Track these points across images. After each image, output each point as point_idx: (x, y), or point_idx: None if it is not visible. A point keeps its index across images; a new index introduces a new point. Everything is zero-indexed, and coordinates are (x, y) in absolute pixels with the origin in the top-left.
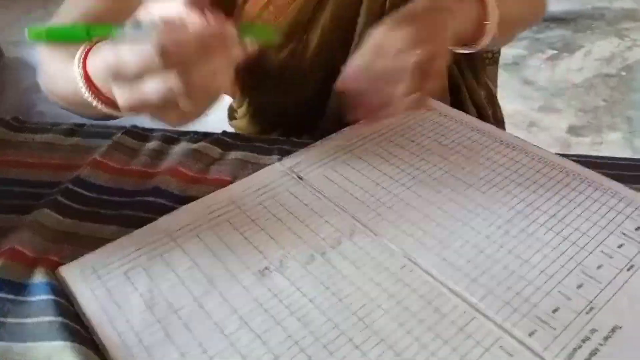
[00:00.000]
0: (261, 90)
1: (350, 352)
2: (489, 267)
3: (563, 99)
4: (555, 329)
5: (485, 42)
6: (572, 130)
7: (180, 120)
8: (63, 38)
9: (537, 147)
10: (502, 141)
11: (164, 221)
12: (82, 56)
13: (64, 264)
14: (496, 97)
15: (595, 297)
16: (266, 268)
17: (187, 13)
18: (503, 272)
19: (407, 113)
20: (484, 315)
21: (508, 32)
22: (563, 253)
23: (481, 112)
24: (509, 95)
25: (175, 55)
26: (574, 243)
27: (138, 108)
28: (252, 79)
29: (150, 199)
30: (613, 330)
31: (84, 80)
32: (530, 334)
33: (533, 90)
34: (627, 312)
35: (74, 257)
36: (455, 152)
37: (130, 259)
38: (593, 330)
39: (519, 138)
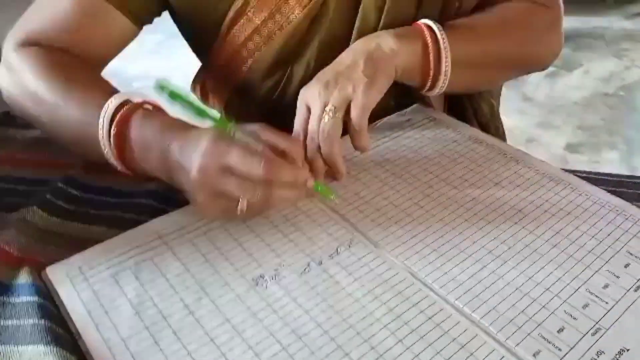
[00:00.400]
0: (243, 117)
1: None
2: (492, 283)
3: (561, 116)
4: (560, 349)
5: (440, 82)
6: (570, 147)
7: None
8: (184, 105)
9: (542, 161)
10: (505, 154)
11: (156, 223)
12: (116, 115)
13: (50, 264)
14: (498, 112)
15: (602, 317)
16: (261, 276)
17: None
18: (507, 289)
19: (412, 126)
20: (487, 332)
21: (482, 71)
22: (568, 271)
23: (485, 129)
24: (508, 111)
25: (272, 174)
26: (579, 261)
27: (216, 206)
28: (236, 105)
29: (143, 200)
30: (620, 353)
31: (114, 139)
32: (535, 354)
33: (532, 106)
34: (634, 334)
35: (60, 258)
36: (458, 164)
37: (119, 262)
38: (599, 353)
39: (523, 152)
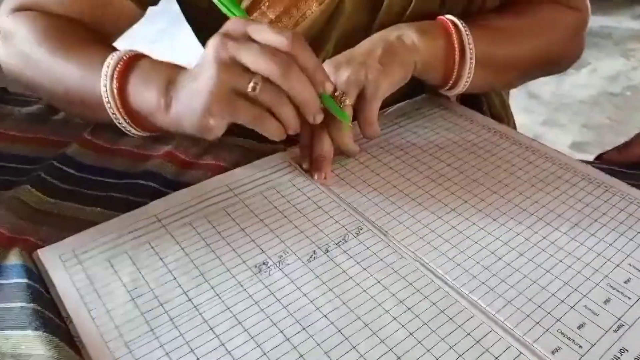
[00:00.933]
0: None
1: None
2: (508, 276)
3: (567, 115)
4: (581, 346)
5: (463, 82)
6: (576, 146)
7: (278, 131)
8: None
9: (558, 151)
10: (520, 144)
11: (154, 206)
12: (116, 70)
13: (43, 246)
14: (509, 105)
15: (624, 313)
16: (264, 263)
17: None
18: (523, 282)
19: (423, 114)
20: (503, 327)
21: (504, 73)
22: (588, 264)
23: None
24: (513, 108)
25: (298, 49)
26: (599, 254)
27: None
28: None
29: (141, 181)
30: None
31: (117, 95)
32: (554, 351)
33: (537, 104)
34: None
35: (53, 239)
36: (471, 153)
37: (115, 245)
38: (622, 350)
39: (539, 142)
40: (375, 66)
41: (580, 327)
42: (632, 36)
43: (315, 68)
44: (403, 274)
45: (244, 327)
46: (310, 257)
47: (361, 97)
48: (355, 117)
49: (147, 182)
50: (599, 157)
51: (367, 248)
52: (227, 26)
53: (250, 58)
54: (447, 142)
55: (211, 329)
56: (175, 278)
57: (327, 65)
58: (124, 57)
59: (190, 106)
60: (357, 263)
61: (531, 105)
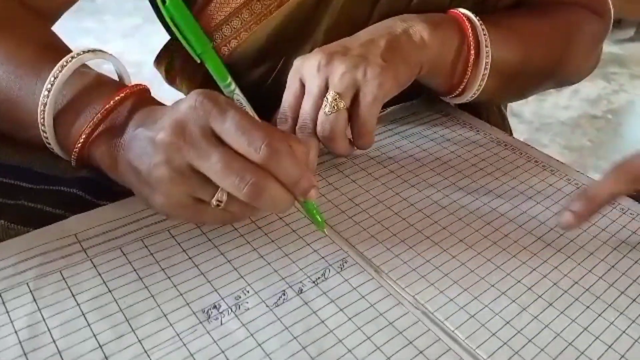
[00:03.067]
0: None
1: None
2: (536, 335)
3: (548, 135)
4: None
5: (474, 88)
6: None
7: (218, 222)
8: (179, 25)
9: (581, 173)
10: (537, 162)
11: (75, 221)
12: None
13: None
14: (506, 114)
15: None
16: (215, 307)
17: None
18: (554, 343)
19: (420, 120)
20: None
21: (517, 82)
22: (635, 322)
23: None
24: None
25: (275, 160)
26: None
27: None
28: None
29: (64, 188)
30: None
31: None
32: None
33: (519, 122)
34: None
35: None
36: (479, 170)
37: (13, 272)
38: None
39: (558, 160)
40: (377, 62)
41: None
42: (613, 60)
43: (295, 181)
44: (400, 327)
45: None
46: (279, 299)
47: (357, 99)
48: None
49: (72, 188)
50: None
51: (353, 289)
52: (186, 114)
53: (211, 173)
54: (450, 156)
55: None
56: (89, 325)
57: (318, 55)
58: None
59: (142, 197)
60: (340, 310)
61: (512, 124)
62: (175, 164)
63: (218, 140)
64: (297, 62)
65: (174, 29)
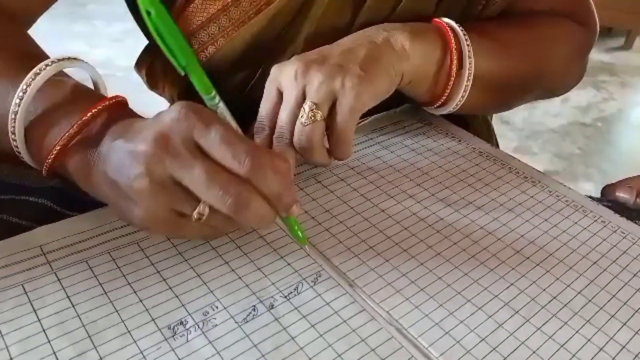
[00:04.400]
0: None
1: None
2: (512, 351)
3: (538, 143)
4: None
5: (456, 100)
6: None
7: (198, 237)
8: (164, 37)
9: (562, 184)
10: (518, 173)
11: (41, 233)
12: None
13: None
14: (491, 121)
15: None
16: (181, 323)
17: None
18: None
19: (403, 129)
20: None
21: (502, 93)
22: (612, 338)
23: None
24: None
25: (259, 173)
26: (624, 324)
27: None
28: (194, 97)
29: (32, 199)
30: None
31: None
32: None
33: (509, 130)
34: None
35: None
36: (461, 181)
37: None
38: None
39: (540, 172)
40: (355, 71)
41: None
42: (603, 68)
43: (278, 196)
44: (373, 344)
45: None
46: (248, 314)
47: (334, 110)
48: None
49: (40, 199)
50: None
51: (326, 304)
52: (169, 126)
53: (194, 185)
54: (431, 166)
55: None
56: (49, 341)
57: (296, 64)
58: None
59: (119, 210)
60: (312, 326)
61: (503, 131)
62: (157, 176)
63: (201, 153)
64: (275, 70)
65: (158, 40)
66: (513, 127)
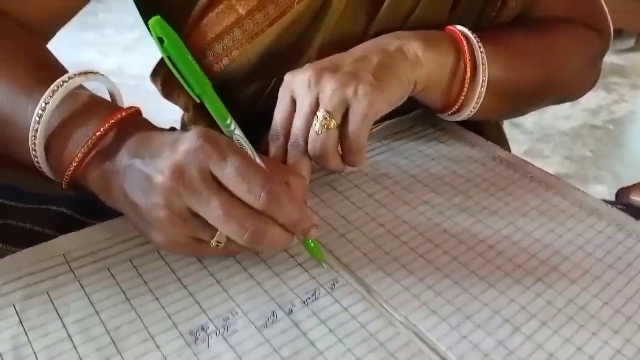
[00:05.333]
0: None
1: None
2: (529, 355)
3: (549, 146)
4: None
5: (470, 107)
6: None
7: (218, 256)
8: (177, 65)
9: (577, 189)
10: (533, 177)
11: (64, 241)
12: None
13: None
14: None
15: None
16: (202, 328)
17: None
18: None
19: (416, 135)
20: None
21: (515, 99)
22: (629, 341)
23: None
24: None
25: (275, 207)
26: None
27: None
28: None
29: (53, 207)
30: None
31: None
32: None
33: (520, 133)
34: None
35: None
36: (475, 186)
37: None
38: None
39: (555, 176)
40: (368, 79)
41: None
42: (614, 71)
43: (296, 223)
44: (392, 349)
45: None
46: (267, 320)
47: (347, 117)
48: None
49: (61, 207)
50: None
51: (344, 309)
52: (184, 156)
53: (211, 218)
54: (444, 172)
55: None
56: (75, 347)
57: (308, 72)
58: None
59: (138, 228)
60: (330, 331)
61: (514, 135)
62: (175, 208)
63: (218, 185)
64: (288, 78)
65: (171, 67)
66: (524, 130)
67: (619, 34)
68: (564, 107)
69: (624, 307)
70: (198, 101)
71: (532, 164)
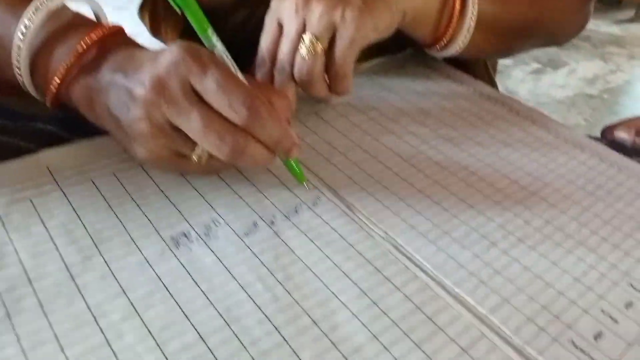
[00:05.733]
0: None
1: None
2: (504, 267)
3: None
4: None
5: (459, 41)
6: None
7: (201, 174)
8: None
9: (562, 124)
10: (518, 112)
11: (49, 155)
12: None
13: None
14: (494, 80)
15: None
16: (184, 235)
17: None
18: (523, 276)
19: (405, 73)
20: (498, 333)
21: (505, 37)
22: (603, 258)
23: None
24: None
25: (256, 121)
26: (617, 247)
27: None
28: (195, 39)
29: (40, 125)
30: None
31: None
32: None
33: None
34: None
35: None
36: (462, 120)
37: None
38: None
39: (540, 112)
40: (356, 4)
41: (597, 337)
42: (611, 40)
43: (276, 141)
44: (369, 257)
45: (142, 319)
46: (249, 229)
47: (334, 42)
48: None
49: (47, 125)
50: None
51: (325, 222)
52: (165, 69)
53: (191, 131)
54: (433, 107)
55: (95, 319)
56: (56, 247)
57: None
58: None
59: (121, 144)
60: (310, 240)
61: None
62: (155, 120)
63: (199, 98)
64: (275, 3)
65: None
66: (519, 98)
67: (619, 4)
68: (559, 76)
69: (601, 229)
70: (179, 12)
71: (518, 101)
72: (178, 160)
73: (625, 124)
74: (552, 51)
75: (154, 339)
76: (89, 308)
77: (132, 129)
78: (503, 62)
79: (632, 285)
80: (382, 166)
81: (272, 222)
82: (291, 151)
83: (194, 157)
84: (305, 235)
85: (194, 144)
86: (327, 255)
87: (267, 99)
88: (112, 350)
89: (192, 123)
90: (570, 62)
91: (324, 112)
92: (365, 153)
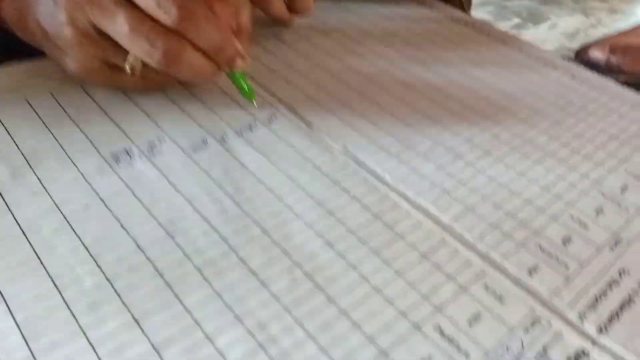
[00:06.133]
0: None
1: (247, 283)
2: (469, 178)
3: None
4: (567, 266)
5: None
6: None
7: (139, 89)
8: None
9: (534, 45)
10: (489, 34)
11: None
12: None
13: None
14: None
15: (623, 227)
16: (126, 151)
17: None
18: (489, 186)
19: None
20: (461, 240)
21: None
22: (574, 169)
23: None
24: None
25: (189, 24)
26: (588, 158)
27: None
28: None
29: None
30: None
31: None
32: (531, 272)
33: None
34: None
35: None
36: (430, 42)
37: None
38: (623, 272)
39: (512, 35)
40: None
41: (565, 242)
42: None
43: (217, 48)
44: (327, 170)
45: (76, 232)
46: (197, 146)
47: None
48: None
49: None
50: (579, 52)
51: (281, 139)
52: None
53: (118, 36)
54: (400, 29)
55: (24, 232)
56: None
57: None
58: None
59: (55, 60)
60: (264, 156)
61: None
62: (80, 24)
63: (126, 0)
64: None
65: None
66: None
67: None
68: (541, 31)
69: (573, 142)
70: None
71: (490, 24)
72: (112, 74)
73: (600, 43)
74: (533, 6)
75: (87, 250)
76: (17, 222)
77: (59, 39)
78: (483, 18)
79: (602, 194)
80: (344, 86)
81: (223, 139)
82: (234, 61)
83: (127, 67)
84: (259, 151)
85: (124, 52)
86: (281, 170)
87: (208, 4)
88: (42, 263)
89: (118, 26)
90: (552, 16)
91: (284, 34)
92: (327, 73)
